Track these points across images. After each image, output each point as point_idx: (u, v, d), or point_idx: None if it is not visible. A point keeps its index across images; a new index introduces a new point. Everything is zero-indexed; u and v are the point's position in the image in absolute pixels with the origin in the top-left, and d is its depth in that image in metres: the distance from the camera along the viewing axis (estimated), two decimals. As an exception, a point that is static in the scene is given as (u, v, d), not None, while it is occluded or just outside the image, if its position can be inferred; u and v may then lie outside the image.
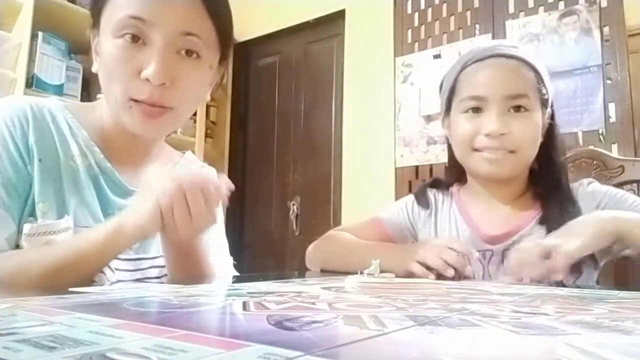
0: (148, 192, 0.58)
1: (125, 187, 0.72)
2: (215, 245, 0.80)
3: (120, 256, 0.66)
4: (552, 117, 0.88)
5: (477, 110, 0.84)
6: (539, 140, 0.85)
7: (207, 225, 0.61)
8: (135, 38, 0.64)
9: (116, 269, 0.67)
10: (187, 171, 0.65)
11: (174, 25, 0.64)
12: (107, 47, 0.65)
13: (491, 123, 0.81)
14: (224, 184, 0.61)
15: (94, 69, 0.70)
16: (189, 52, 0.66)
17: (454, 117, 0.88)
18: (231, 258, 0.85)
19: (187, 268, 0.67)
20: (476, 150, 0.84)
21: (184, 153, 0.88)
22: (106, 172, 0.71)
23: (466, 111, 0.85)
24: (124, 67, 0.64)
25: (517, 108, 0.82)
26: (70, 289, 0.44)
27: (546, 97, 0.85)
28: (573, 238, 0.65)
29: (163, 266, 0.73)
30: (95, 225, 0.66)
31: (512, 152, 0.82)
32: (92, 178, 0.69)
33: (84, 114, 0.73)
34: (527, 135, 0.82)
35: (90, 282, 0.60)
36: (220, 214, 0.81)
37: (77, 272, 0.56)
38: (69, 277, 0.54)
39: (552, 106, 0.88)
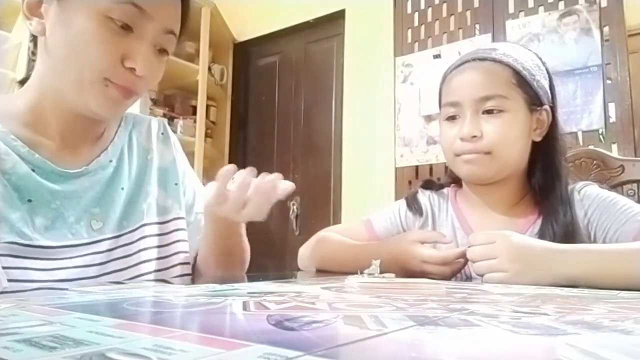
0: None
1: (64, 172, 0.67)
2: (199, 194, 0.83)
3: (63, 242, 0.64)
4: (553, 116, 0.86)
5: (454, 116, 0.85)
6: (522, 140, 0.83)
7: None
8: (125, 25, 0.62)
9: (60, 258, 0.63)
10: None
11: (165, 22, 0.65)
12: (85, 23, 0.61)
13: (464, 127, 0.82)
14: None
15: (34, 31, 0.64)
16: (161, 51, 0.68)
17: (440, 125, 0.90)
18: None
19: (225, 247, 0.75)
20: (457, 155, 0.85)
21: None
22: (37, 164, 0.65)
23: (446, 118, 0.87)
24: (108, 51, 0.62)
25: (491, 109, 0.81)
26: (70, 289, 0.44)
27: (532, 95, 0.83)
28: (517, 268, 0.64)
29: (130, 243, 0.70)
30: (21, 239, 0.60)
31: (487, 154, 0.81)
32: (15, 181, 0.62)
33: (2, 106, 0.67)
34: (502, 136, 0.81)
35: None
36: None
37: None
38: None
39: (550, 103, 0.86)
